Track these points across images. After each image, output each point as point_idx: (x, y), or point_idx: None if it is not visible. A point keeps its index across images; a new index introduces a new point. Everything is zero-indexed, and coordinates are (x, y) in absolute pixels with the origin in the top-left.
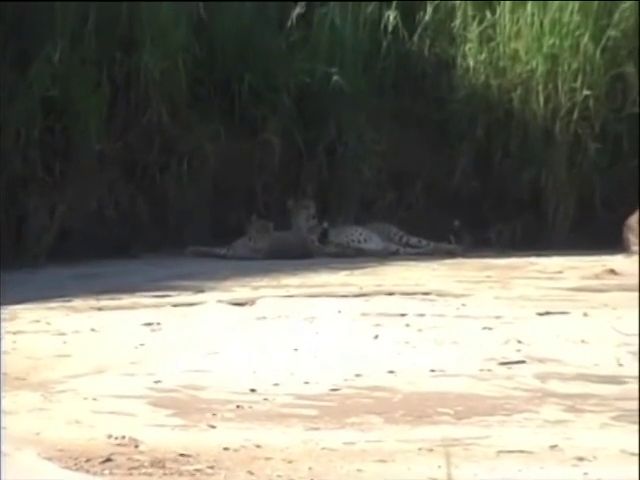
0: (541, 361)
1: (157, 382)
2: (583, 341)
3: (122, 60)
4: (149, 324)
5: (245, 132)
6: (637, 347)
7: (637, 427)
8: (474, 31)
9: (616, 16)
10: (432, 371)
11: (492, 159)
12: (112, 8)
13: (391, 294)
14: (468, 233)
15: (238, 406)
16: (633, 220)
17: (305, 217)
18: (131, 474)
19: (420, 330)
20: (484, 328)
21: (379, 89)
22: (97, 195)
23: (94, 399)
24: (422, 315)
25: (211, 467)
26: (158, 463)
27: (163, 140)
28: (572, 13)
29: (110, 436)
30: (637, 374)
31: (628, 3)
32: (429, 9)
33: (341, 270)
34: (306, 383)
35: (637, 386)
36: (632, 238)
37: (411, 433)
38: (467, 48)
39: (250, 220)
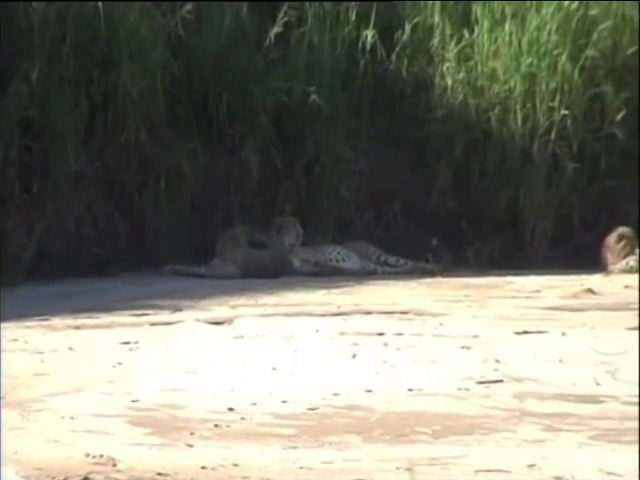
0: (519, 380)
1: (135, 401)
2: (561, 360)
3: (100, 79)
4: (127, 343)
5: (223, 151)
6: (615, 367)
7: (614, 446)
8: (452, 50)
9: (594, 36)
10: (410, 390)
11: (470, 179)
12: (90, 27)
13: (369, 313)
14: (446, 252)
15: (216, 425)
16: (611, 239)
17: (295, 235)
18: None
19: (398, 349)
20: (462, 347)
21: (357, 108)
22: (75, 214)
23: (72, 418)
24: (400, 334)
25: None
26: None
27: (141, 159)
28: (550, 33)
29: (88, 455)
30: (614, 393)
31: (606, 23)
32: (407, 28)
33: (319, 289)
34: (284, 402)
35: (615, 405)
36: (610, 257)
37: (389, 452)
38: (445, 67)
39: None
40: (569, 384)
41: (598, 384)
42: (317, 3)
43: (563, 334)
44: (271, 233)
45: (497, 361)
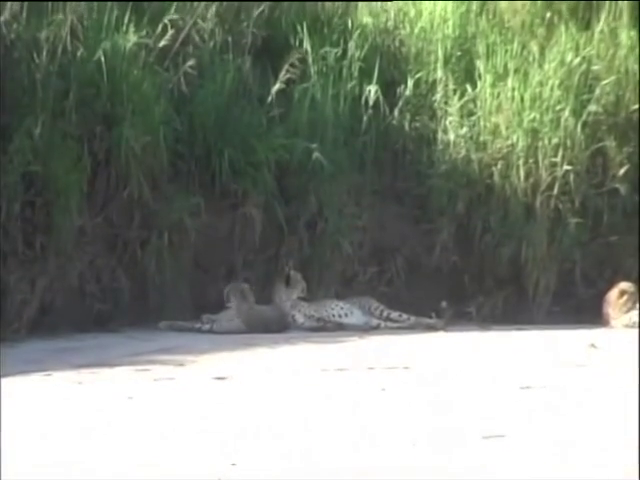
0: (522, 435)
1: (138, 456)
2: (564, 415)
3: (103, 135)
4: (130, 398)
5: (226, 206)
6: (617, 421)
7: None
8: (455, 105)
9: (597, 91)
10: (413, 445)
11: (473, 233)
12: (93, 83)
13: (372, 368)
14: (449, 307)
15: None
16: (613, 295)
17: (301, 288)
18: None
19: (400, 404)
20: (465, 402)
21: (360, 164)
22: (78, 269)
23: (74, 472)
24: (403, 389)
25: None
26: None
27: (144, 214)
28: (553, 88)
29: None
30: (618, 451)
31: (609, 78)
32: (410, 83)
33: (321, 344)
34: (286, 457)
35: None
36: (612, 313)
37: None
38: (448, 122)
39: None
40: (572, 438)
41: (601, 438)
42: (320, 59)
43: (566, 389)
44: (275, 288)
45: (500, 415)
